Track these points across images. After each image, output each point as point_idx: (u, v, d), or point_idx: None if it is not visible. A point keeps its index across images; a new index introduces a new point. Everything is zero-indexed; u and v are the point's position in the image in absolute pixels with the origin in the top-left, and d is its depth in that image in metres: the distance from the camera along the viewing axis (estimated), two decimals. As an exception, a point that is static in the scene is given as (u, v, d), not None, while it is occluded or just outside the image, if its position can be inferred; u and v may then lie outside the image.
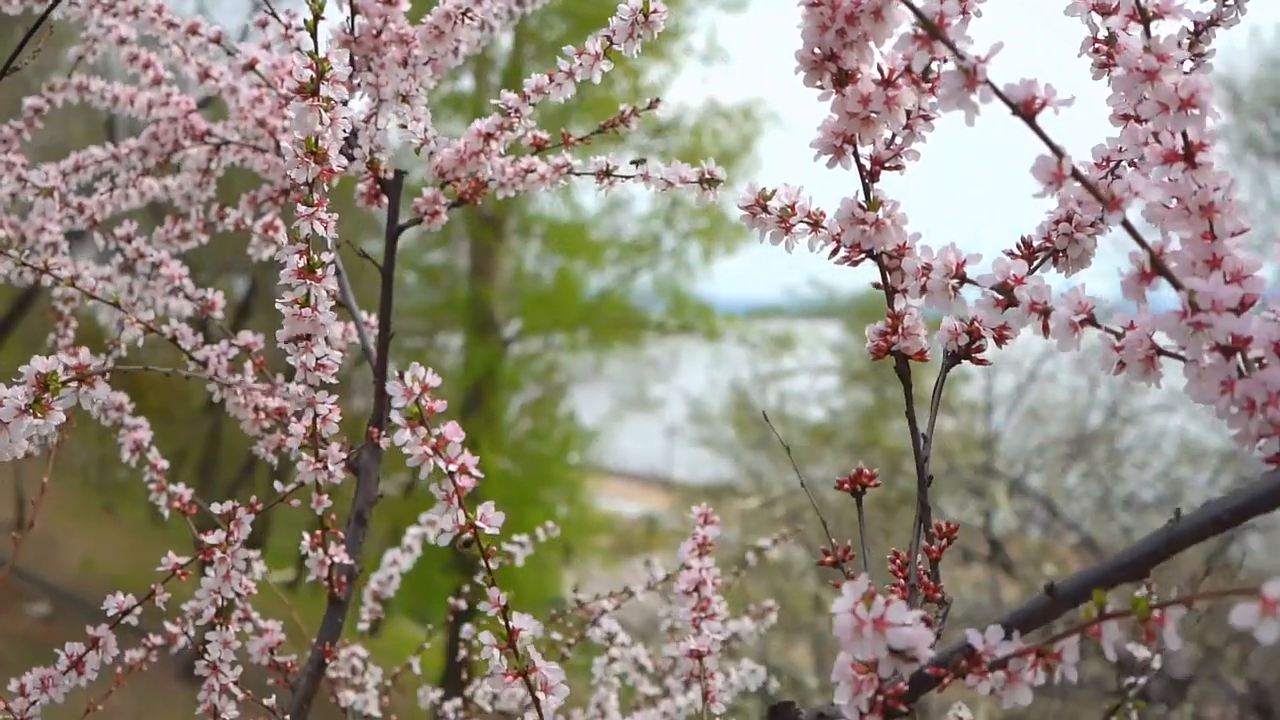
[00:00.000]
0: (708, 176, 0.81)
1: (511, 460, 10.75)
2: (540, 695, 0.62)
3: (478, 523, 0.61)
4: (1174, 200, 0.54)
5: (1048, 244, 0.66)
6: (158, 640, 1.10)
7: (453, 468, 0.60)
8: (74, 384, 0.63)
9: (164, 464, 1.07)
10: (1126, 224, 0.49)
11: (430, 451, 0.60)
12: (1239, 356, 0.50)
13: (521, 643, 0.62)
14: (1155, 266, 0.50)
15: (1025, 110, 0.49)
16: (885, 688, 0.52)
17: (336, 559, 0.94)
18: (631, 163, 0.92)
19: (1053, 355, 6.67)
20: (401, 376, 0.59)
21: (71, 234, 1.28)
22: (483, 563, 0.63)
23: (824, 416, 9.98)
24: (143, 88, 1.19)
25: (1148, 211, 0.56)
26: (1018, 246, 0.67)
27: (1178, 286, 0.50)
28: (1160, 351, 0.53)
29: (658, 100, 0.96)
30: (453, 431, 0.61)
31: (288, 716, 0.91)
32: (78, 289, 0.95)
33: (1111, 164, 0.67)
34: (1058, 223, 0.66)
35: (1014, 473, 6.14)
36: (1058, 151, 0.49)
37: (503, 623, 0.63)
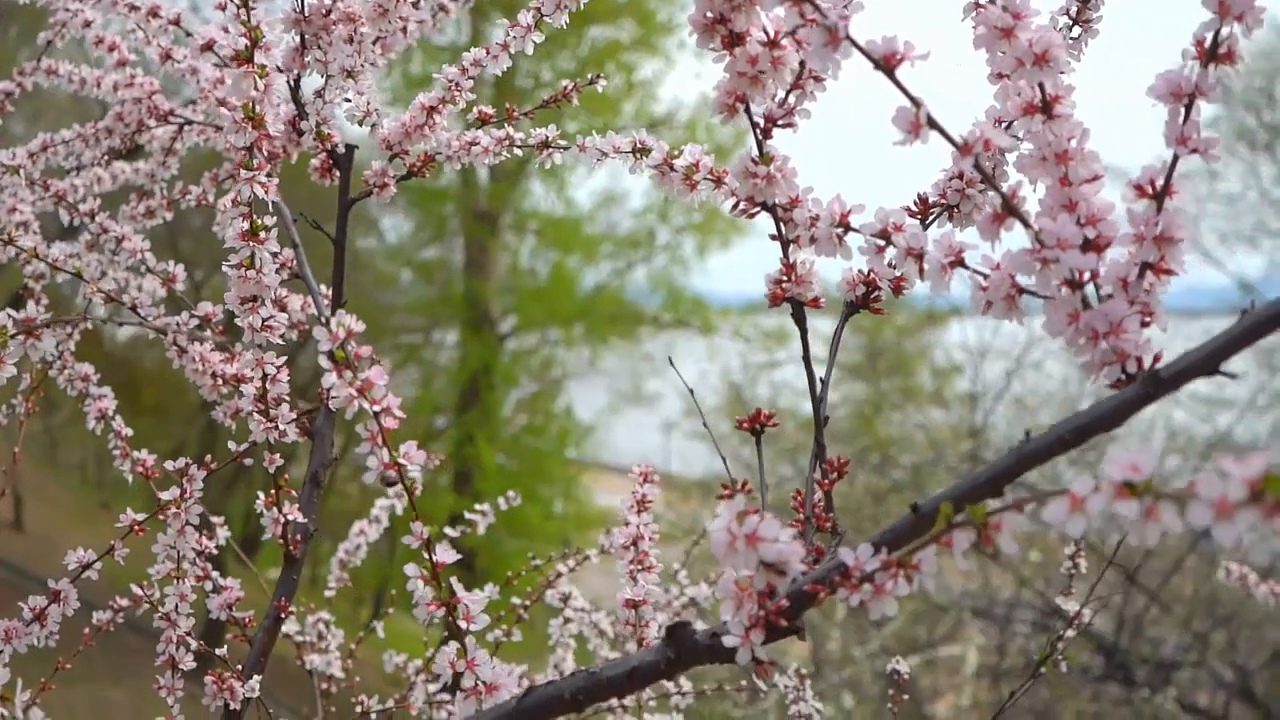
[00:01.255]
0: (639, 146, 0.85)
1: (508, 455, 10.79)
2: (462, 624, 0.66)
3: (400, 460, 0.65)
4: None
5: (942, 200, 0.71)
6: (124, 602, 1.15)
7: (377, 408, 0.64)
8: (20, 336, 0.67)
9: (128, 431, 1.11)
10: (978, 167, 0.53)
11: (355, 393, 0.64)
12: (1086, 291, 0.54)
13: (444, 575, 0.67)
14: (1007, 208, 0.54)
15: (886, 64, 0.53)
16: (768, 605, 0.56)
17: (291, 518, 0.98)
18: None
19: (1038, 343, 6.72)
20: (328, 323, 0.63)
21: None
22: (409, 502, 0.67)
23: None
24: (108, 70, 1.23)
25: (1018, 162, 0.60)
26: (914, 202, 0.71)
27: (1027, 226, 0.54)
28: (1021, 290, 0.57)
29: (599, 76, 1.00)
30: (377, 375, 0.65)
31: (240, 666, 0.95)
32: (41, 259, 0.98)
33: (1004, 124, 0.71)
34: (951, 179, 0.70)
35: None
36: (915, 103, 0.53)
37: (426, 556, 0.67)
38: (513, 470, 10.45)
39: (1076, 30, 0.73)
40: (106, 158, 1.20)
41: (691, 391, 0.89)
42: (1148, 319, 0.54)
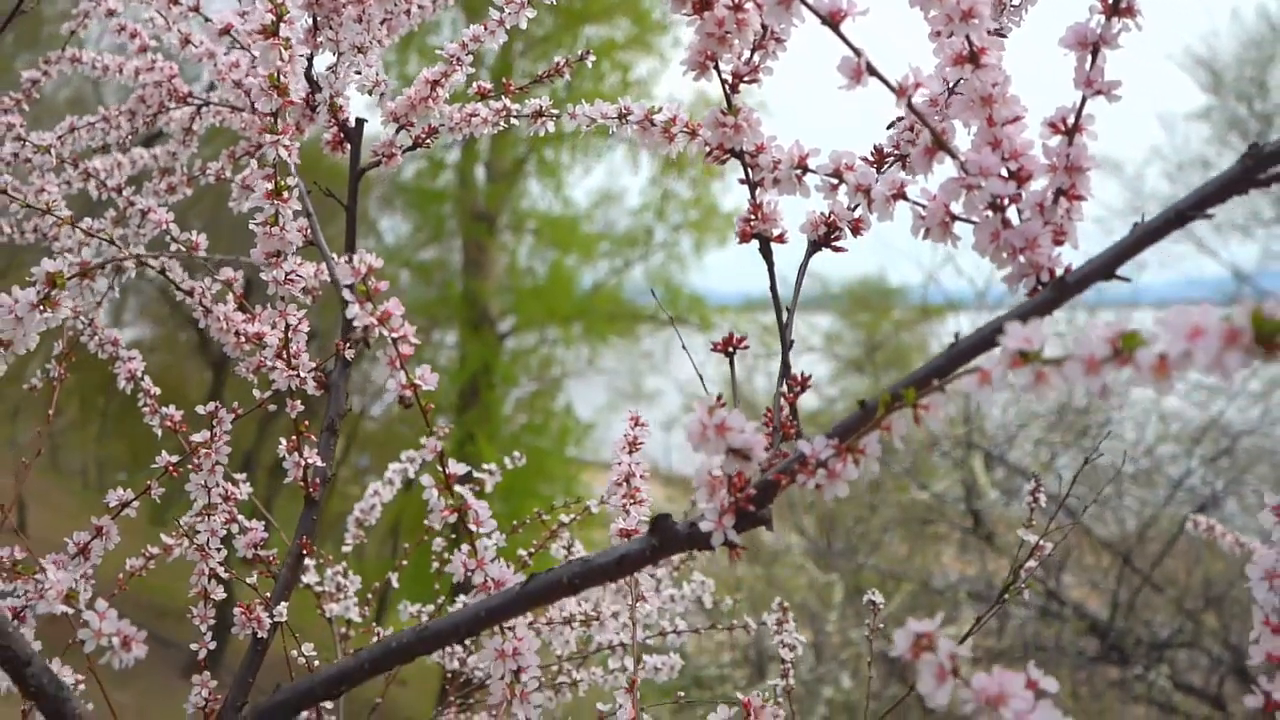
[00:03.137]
0: (624, 111, 0.93)
1: (509, 454, 10.87)
2: (473, 527, 0.75)
3: (416, 380, 0.74)
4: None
5: (896, 150, 0.79)
6: (154, 550, 1.23)
7: (395, 335, 0.73)
8: (76, 279, 0.76)
9: (156, 390, 1.19)
10: (911, 108, 0.62)
11: (376, 322, 0.72)
12: (1008, 214, 0.62)
13: (457, 487, 0.75)
14: (937, 143, 0.63)
15: (832, 20, 0.62)
16: (738, 494, 0.64)
17: (311, 462, 1.06)
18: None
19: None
20: (350, 259, 0.72)
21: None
22: (424, 418, 0.76)
23: (818, 404, 10.08)
24: (130, 56, 1.31)
25: (952, 108, 0.68)
26: (871, 152, 0.79)
27: (954, 157, 0.62)
28: (953, 216, 0.65)
29: (588, 53, 1.08)
30: (394, 306, 0.73)
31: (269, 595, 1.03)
32: (77, 226, 1.07)
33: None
34: (903, 131, 0.79)
35: (996, 449, 6.27)
36: (857, 52, 0.62)
37: (440, 468, 0.75)
38: (513, 469, 10.51)
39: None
40: (129, 140, 1.28)
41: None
42: (1060, 237, 0.62)
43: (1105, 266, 0.58)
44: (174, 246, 1.21)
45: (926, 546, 7.20)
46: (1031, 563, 1.17)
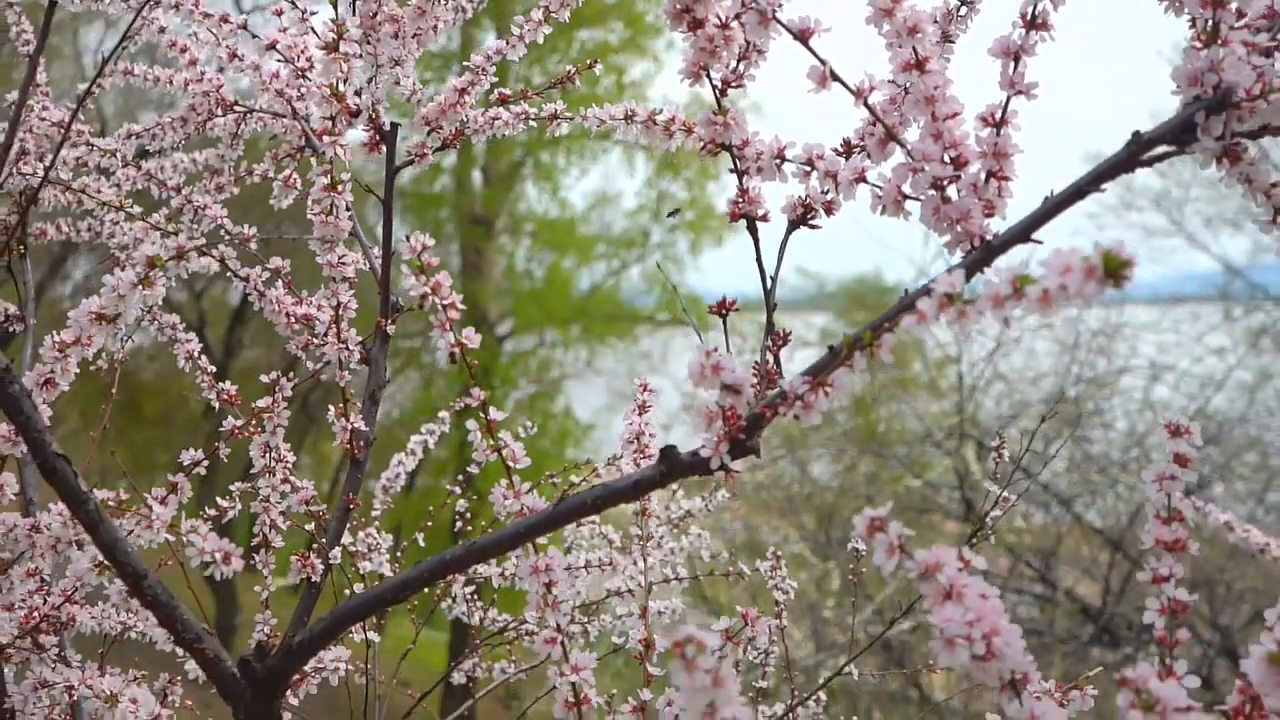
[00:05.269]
0: (630, 113, 1.07)
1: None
2: (511, 464, 0.89)
3: (463, 340, 0.88)
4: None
5: (861, 141, 0.93)
6: (225, 504, 1.37)
7: (445, 302, 0.87)
8: (173, 260, 0.90)
9: (213, 368, 1.34)
10: (867, 107, 0.76)
11: (429, 291, 0.87)
12: (948, 192, 0.77)
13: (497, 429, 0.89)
14: (889, 135, 0.77)
15: (802, 36, 0.76)
16: (731, 424, 0.78)
17: (356, 426, 1.21)
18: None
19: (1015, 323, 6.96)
20: (408, 238, 0.86)
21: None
22: (467, 371, 0.90)
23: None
24: (179, 69, 1.46)
25: (905, 107, 0.82)
26: (841, 143, 0.94)
27: (903, 146, 0.77)
28: (904, 195, 0.80)
29: (595, 61, 1.23)
30: (444, 278, 0.88)
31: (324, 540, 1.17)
32: (146, 222, 1.21)
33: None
34: (866, 126, 0.93)
35: (988, 438, 6.41)
36: (823, 62, 0.76)
37: (483, 415, 0.90)
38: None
39: (964, 10, 0.96)
40: (181, 144, 1.43)
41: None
42: (990, 210, 0.77)
43: (1021, 233, 0.72)
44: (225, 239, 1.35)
45: (922, 535, 7.35)
46: (997, 512, 1.31)
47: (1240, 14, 0.70)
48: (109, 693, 0.95)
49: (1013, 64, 0.77)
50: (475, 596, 1.77)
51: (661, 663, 1.01)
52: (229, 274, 1.22)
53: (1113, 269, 0.54)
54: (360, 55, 1.07)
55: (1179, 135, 0.69)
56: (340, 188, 1.01)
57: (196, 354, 1.35)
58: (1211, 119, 0.68)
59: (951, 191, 0.78)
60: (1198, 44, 0.69)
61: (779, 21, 0.76)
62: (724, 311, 0.91)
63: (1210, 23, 0.69)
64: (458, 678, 1.69)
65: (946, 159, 0.77)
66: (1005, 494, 1.36)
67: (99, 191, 1.48)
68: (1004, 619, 0.63)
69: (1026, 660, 0.63)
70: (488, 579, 1.69)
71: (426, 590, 2.09)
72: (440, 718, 1.92)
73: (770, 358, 0.87)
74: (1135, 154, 0.70)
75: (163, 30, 1.45)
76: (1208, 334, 8.04)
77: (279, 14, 1.36)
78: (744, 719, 0.61)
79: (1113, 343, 7.59)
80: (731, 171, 0.89)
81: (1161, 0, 0.74)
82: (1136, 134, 0.70)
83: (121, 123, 1.51)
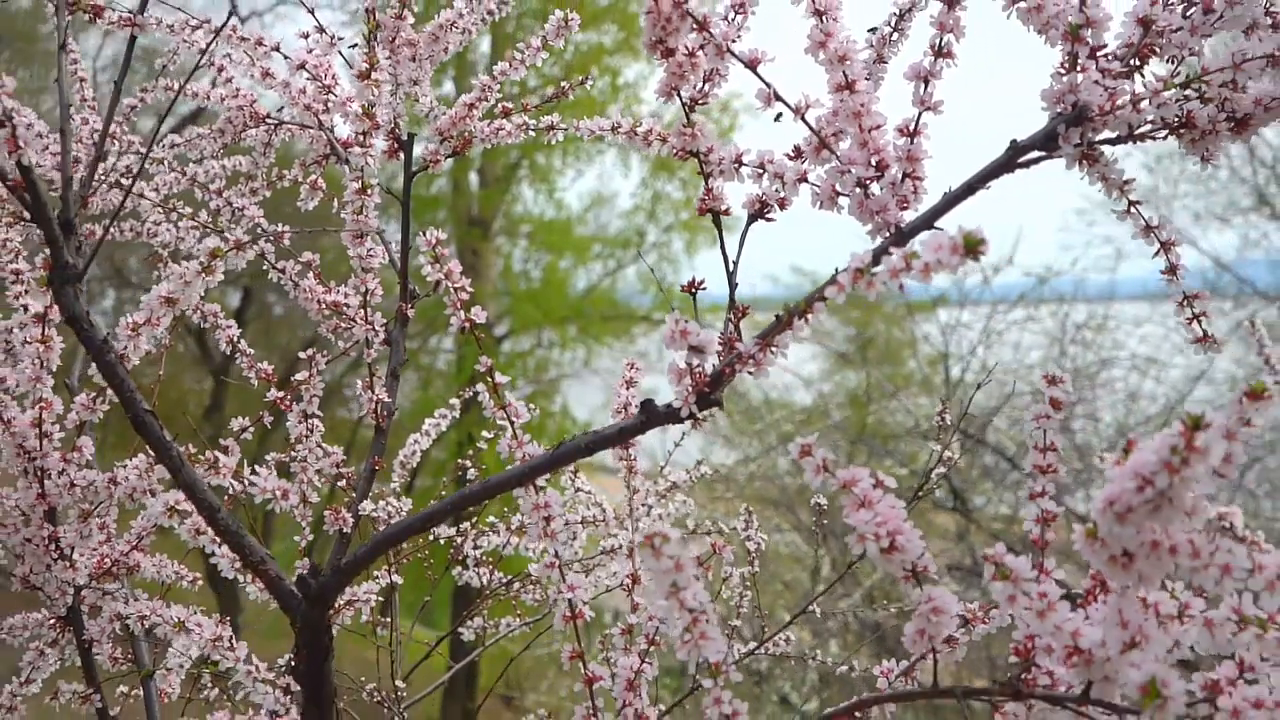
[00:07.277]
0: (616, 125, 1.25)
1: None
2: (512, 419, 1.07)
3: (472, 317, 1.06)
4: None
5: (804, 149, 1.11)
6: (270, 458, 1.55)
7: (456, 285, 1.05)
8: (232, 251, 1.08)
9: (251, 351, 1.51)
10: (804, 121, 0.94)
11: (444, 276, 1.05)
12: (872, 189, 0.95)
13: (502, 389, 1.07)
14: (821, 144, 0.95)
15: (751, 64, 0.94)
16: (698, 380, 0.96)
17: (380, 398, 1.39)
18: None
19: (999, 312, 7.15)
20: (425, 232, 1.04)
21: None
22: (477, 345, 1.08)
23: (812, 399, 10.40)
24: (217, 84, 1.64)
25: (838, 120, 1.00)
26: (793, 149, 1.12)
27: (833, 153, 0.95)
28: (838, 193, 0.98)
29: (586, 78, 1.41)
30: (455, 266, 1.06)
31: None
32: (183, 214, 1.39)
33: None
34: (808, 136, 1.11)
35: (974, 429, 6.60)
36: (767, 85, 0.94)
37: (490, 379, 1.07)
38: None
39: (895, 35, 1.14)
40: (221, 152, 1.61)
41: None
42: (905, 205, 0.95)
43: (925, 222, 0.91)
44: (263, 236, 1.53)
45: (914, 520, 7.52)
46: (941, 469, 1.49)
47: (1097, 49, 0.88)
48: (178, 619, 1.13)
49: (923, 85, 0.95)
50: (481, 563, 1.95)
51: (645, 592, 1.18)
52: (266, 265, 1.40)
53: (971, 246, 0.72)
54: (389, 81, 1.25)
55: (1046, 143, 0.87)
56: (370, 191, 1.19)
57: (236, 339, 1.53)
58: (1070, 130, 0.86)
59: (874, 189, 0.96)
60: (1061, 70, 0.87)
61: (732, 53, 0.94)
62: (693, 290, 1.09)
63: (1069, 54, 0.87)
64: (466, 634, 1.86)
65: (871, 162, 0.95)
66: (949, 453, 1.54)
67: (141, 196, 1.66)
68: (907, 523, 0.81)
69: (926, 556, 0.81)
70: (495, 548, 1.88)
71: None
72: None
73: (732, 327, 1.05)
74: (1013, 157, 0.89)
75: (204, 51, 1.62)
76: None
77: (305, 36, 1.54)
78: (702, 599, 0.79)
79: (1098, 336, 7.79)
80: (698, 174, 1.07)
81: (1039, 33, 0.92)
82: (1014, 142, 0.88)
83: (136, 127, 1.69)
